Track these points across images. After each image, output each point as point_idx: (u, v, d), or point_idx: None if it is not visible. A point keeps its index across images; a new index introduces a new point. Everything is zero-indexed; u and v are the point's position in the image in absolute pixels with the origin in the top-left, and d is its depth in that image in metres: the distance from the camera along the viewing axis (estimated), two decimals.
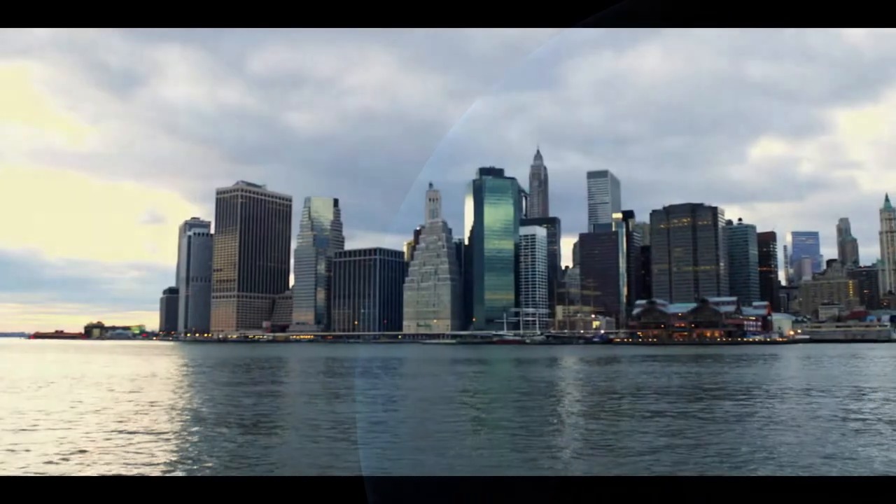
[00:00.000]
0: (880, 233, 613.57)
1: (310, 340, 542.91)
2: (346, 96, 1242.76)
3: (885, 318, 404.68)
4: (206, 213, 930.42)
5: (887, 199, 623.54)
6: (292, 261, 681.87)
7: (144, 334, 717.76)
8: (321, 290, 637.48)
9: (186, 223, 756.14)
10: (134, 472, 28.48)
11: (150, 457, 32.03)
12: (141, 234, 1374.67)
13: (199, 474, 27.74)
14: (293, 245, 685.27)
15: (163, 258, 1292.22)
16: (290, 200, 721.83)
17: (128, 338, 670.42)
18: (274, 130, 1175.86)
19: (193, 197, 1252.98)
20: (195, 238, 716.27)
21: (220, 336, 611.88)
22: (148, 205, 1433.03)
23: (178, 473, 28.27)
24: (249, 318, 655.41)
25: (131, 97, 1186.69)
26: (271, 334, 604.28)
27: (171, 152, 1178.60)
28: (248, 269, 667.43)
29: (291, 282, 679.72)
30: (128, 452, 33.04)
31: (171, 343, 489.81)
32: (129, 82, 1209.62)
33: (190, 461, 31.35)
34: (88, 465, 29.68)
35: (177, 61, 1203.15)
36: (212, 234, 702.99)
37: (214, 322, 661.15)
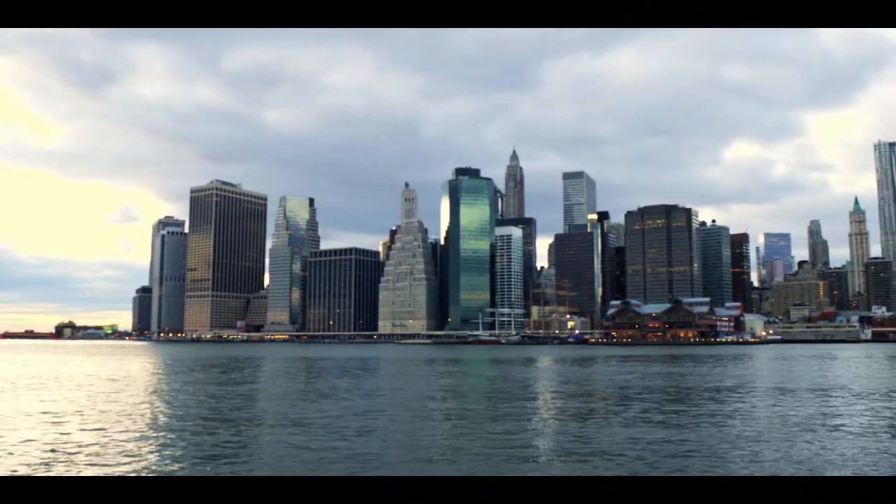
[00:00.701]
0: (850, 235, 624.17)
1: (284, 340, 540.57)
2: (323, 95, 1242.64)
3: (854, 318, 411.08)
4: (181, 211, 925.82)
5: (857, 202, 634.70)
6: (267, 260, 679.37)
7: (117, 334, 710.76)
8: (296, 290, 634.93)
9: (160, 222, 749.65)
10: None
11: (131, 457, 32.05)
12: (114, 233, 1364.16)
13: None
14: (268, 244, 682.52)
15: (136, 257, 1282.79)
16: (266, 200, 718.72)
17: (100, 337, 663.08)
18: (250, 129, 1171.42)
19: (167, 195, 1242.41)
20: (169, 237, 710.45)
21: (194, 336, 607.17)
22: (121, 203, 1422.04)
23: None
24: (224, 317, 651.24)
25: (104, 94, 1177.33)
26: (246, 334, 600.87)
27: (145, 150, 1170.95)
28: (223, 269, 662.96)
29: (266, 281, 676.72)
30: (107, 453, 33.01)
31: (144, 343, 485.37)
32: (103, 79, 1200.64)
33: (172, 460, 31.43)
34: (69, 466, 29.67)
35: (151, 59, 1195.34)
36: (186, 233, 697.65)
37: (188, 322, 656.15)
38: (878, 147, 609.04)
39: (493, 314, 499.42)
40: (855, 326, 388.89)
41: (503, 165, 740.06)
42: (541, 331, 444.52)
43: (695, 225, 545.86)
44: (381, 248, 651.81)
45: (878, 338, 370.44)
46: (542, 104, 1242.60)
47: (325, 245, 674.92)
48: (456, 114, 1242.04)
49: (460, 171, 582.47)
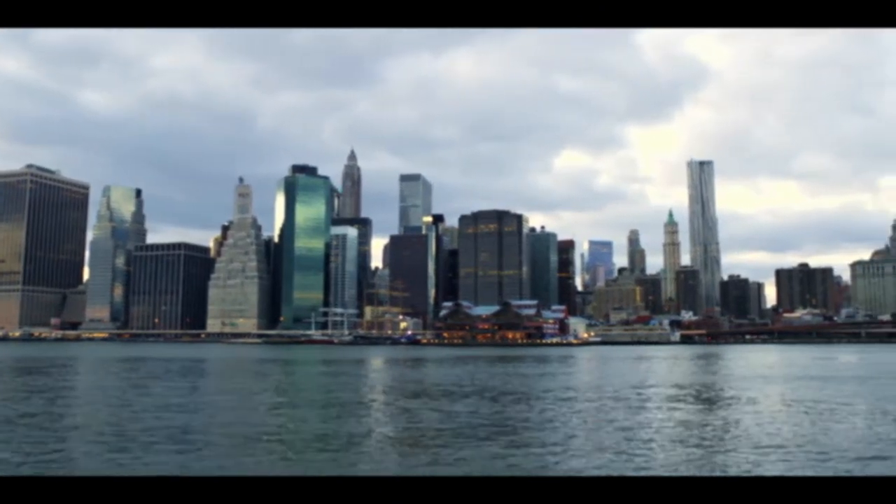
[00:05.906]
0: (664, 244, 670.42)
1: (104, 339, 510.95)
2: (149, 78, 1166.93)
3: (666, 322, 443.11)
4: None
5: (671, 214, 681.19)
6: (87, 254, 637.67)
7: None
8: (119, 286, 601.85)
9: None
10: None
11: None
12: None
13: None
14: (89, 237, 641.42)
15: None
16: (88, 189, 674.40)
17: None
18: (66, 110, 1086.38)
19: None
20: None
21: (0, 334, 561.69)
22: None
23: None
24: (35, 314, 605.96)
25: None
26: (60, 332, 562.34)
27: None
28: (36, 262, 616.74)
29: (86, 276, 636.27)
30: None
31: None
32: None
33: None
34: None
35: None
36: None
37: None
38: (690, 165, 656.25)
39: (326, 314, 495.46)
40: (666, 329, 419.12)
41: (340, 163, 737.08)
42: (374, 331, 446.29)
43: (525, 230, 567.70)
44: (212, 244, 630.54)
45: (685, 339, 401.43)
46: (381, 103, 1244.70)
47: (151, 239, 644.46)
48: (291, 107, 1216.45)
49: (297, 168, 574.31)
